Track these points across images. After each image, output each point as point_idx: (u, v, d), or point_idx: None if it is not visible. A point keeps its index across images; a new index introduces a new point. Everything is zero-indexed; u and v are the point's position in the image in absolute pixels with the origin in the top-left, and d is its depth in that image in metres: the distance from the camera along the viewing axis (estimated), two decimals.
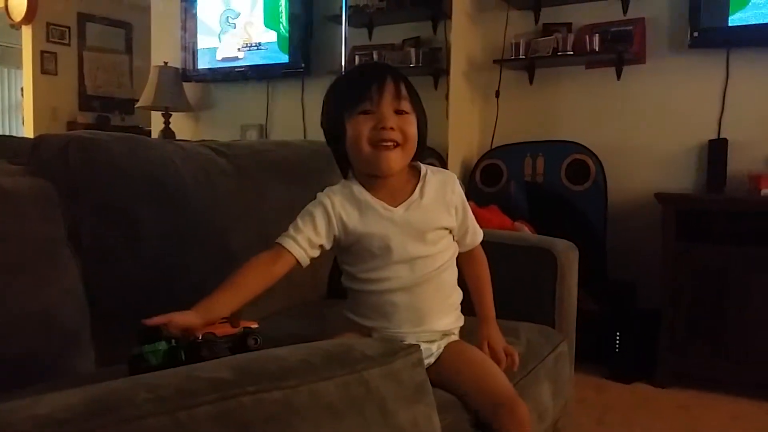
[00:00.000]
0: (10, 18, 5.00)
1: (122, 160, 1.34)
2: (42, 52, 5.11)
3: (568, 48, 3.04)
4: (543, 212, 2.92)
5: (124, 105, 5.66)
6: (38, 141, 1.36)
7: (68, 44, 5.30)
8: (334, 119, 1.20)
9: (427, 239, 1.19)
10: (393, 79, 1.16)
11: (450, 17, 3.33)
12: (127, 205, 1.35)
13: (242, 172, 1.62)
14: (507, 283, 1.59)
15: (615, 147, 3.05)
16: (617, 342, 2.68)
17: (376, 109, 1.13)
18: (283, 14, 3.87)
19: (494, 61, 3.26)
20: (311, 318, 1.56)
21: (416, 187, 1.19)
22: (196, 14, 4.16)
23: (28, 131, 5.14)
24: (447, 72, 3.36)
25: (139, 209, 1.36)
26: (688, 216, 2.55)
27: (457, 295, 1.27)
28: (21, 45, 5.30)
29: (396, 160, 1.14)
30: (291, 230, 1.17)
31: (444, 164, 3.27)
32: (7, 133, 6.39)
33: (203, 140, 1.70)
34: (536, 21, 3.26)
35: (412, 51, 3.50)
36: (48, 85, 5.15)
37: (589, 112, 3.15)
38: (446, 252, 1.22)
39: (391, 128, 1.13)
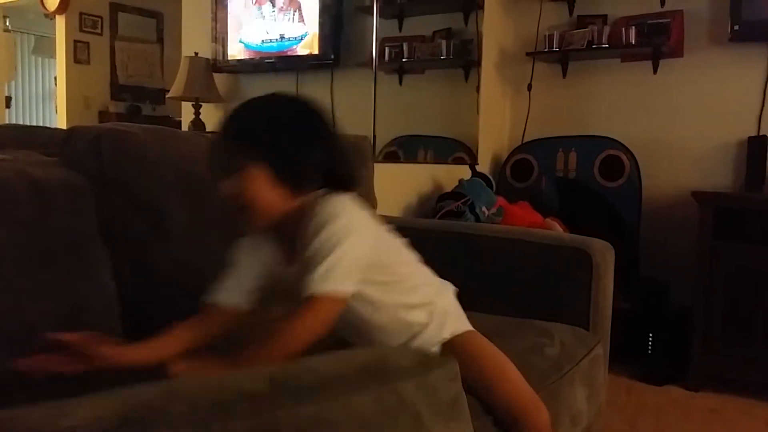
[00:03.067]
0: (44, 8, 5.04)
1: (153, 153, 1.34)
2: (75, 42, 5.15)
3: (604, 41, 2.98)
4: (575, 209, 2.87)
5: (154, 95, 5.69)
6: (70, 133, 1.36)
7: (100, 34, 5.33)
8: None
9: None
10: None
11: (482, 8, 3.27)
12: (157, 198, 1.34)
13: None
14: (540, 282, 1.56)
15: (650, 143, 2.97)
16: (650, 343, 2.62)
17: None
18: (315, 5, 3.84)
19: (527, 54, 3.21)
20: None
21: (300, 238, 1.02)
22: (227, 4, 4.16)
23: (60, 120, 5.20)
24: (478, 64, 3.31)
25: (169, 202, 1.35)
26: (725, 215, 2.48)
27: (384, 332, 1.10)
28: (54, 34, 5.35)
29: (247, 222, 1.03)
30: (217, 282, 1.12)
31: (474, 158, 3.23)
32: (41, 121, 6.48)
33: None
34: (570, 13, 3.19)
35: (443, 43, 3.45)
36: (81, 74, 5.19)
37: (623, 106, 3.08)
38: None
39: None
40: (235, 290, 1.10)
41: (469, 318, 1.45)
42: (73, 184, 1.25)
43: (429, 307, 1.13)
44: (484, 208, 2.56)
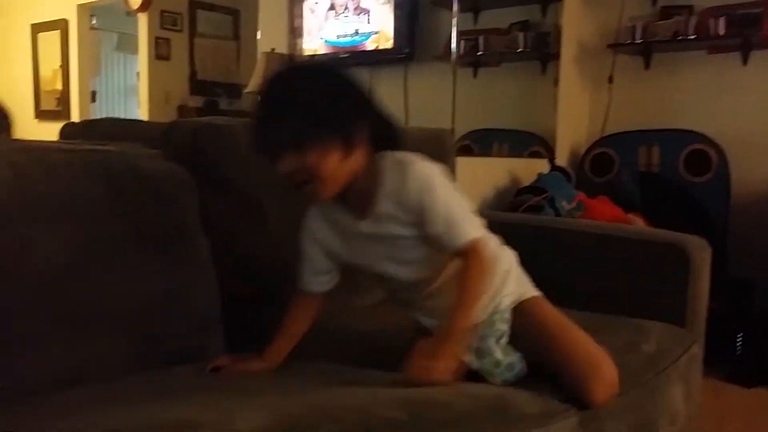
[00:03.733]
0: (127, 6, 5.25)
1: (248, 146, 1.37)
2: (156, 39, 5.35)
3: (690, 32, 2.88)
4: (657, 204, 2.79)
5: (231, 90, 5.84)
6: (171, 127, 1.42)
7: (181, 31, 5.51)
8: None
9: (395, 242, 1.08)
10: (278, 152, 1.01)
11: (561, 0, 3.22)
12: (252, 190, 1.38)
13: None
14: (632, 280, 1.53)
15: (740, 137, 2.86)
16: (738, 343, 2.53)
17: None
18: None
19: (608, 46, 3.13)
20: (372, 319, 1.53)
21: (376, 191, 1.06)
22: (303, 1, 4.23)
23: (143, 114, 5.41)
24: (557, 57, 3.26)
25: (264, 193, 1.39)
26: None
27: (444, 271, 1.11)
28: (136, 32, 5.57)
29: (318, 193, 1.03)
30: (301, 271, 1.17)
31: (551, 152, 3.18)
32: (123, 115, 6.75)
33: None
34: (654, 3, 3.10)
35: (520, 35, 3.41)
36: (162, 70, 5.39)
37: (710, 99, 2.97)
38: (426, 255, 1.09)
39: (294, 178, 1.02)
40: (322, 274, 1.15)
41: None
42: (177, 176, 1.30)
43: (506, 269, 1.14)
44: (564, 203, 2.52)
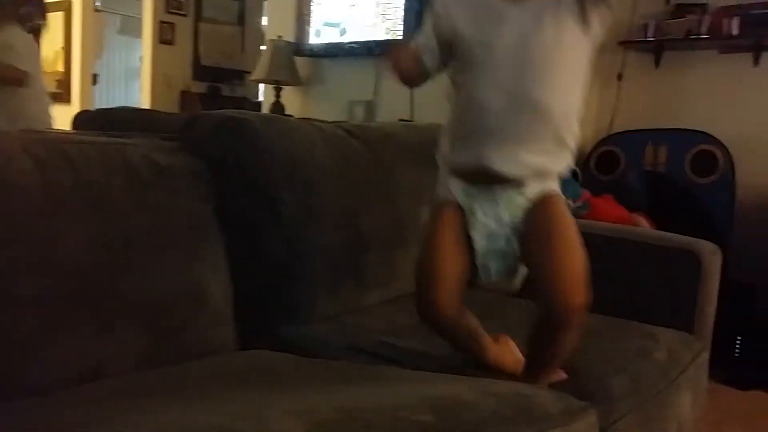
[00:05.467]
0: None
1: (269, 141, 1.37)
2: (161, 23, 5.32)
3: (703, 31, 2.87)
4: (662, 204, 2.79)
5: (234, 75, 5.82)
6: (192, 120, 1.41)
7: (185, 15, 5.48)
8: None
9: (544, 40, 1.03)
10: None
11: None
12: (271, 185, 1.38)
13: (374, 154, 1.63)
14: (643, 283, 1.54)
15: (747, 139, 2.86)
16: (737, 346, 2.54)
17: None
18: None
19: (619, 43, 3.12)
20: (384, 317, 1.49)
21: None
22: None
23: (144, 98, 5.39)
24: None
25: (282, 188, 1.38)
26: None
27: (568, 129, 1.08)
28: (140, 15, 5.53)
29: None
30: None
31: None
32: (125, 99, 6.72)
33: (338, 122, 1.72)
34: (667, 1, 3.09)
35: None
36: (165, 54, 5.36)
37: (720, 100, 2.97)
38: (568, 59, 1.05)
39: None
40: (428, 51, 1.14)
41: None
42: (195, 170, 1.30)
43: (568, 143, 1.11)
44: (570, 201, 2.52)
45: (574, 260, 1.02)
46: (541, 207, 1.06)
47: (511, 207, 1.07)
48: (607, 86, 3.24)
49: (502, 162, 1.05)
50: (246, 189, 1.35)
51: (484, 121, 1.07)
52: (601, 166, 3.09)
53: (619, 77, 3.18)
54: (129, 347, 1.11)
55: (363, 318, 1.38)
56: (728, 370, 2.55)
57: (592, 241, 1.66)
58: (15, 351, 0.98)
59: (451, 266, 1.09)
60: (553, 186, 1.09)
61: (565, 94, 1.06)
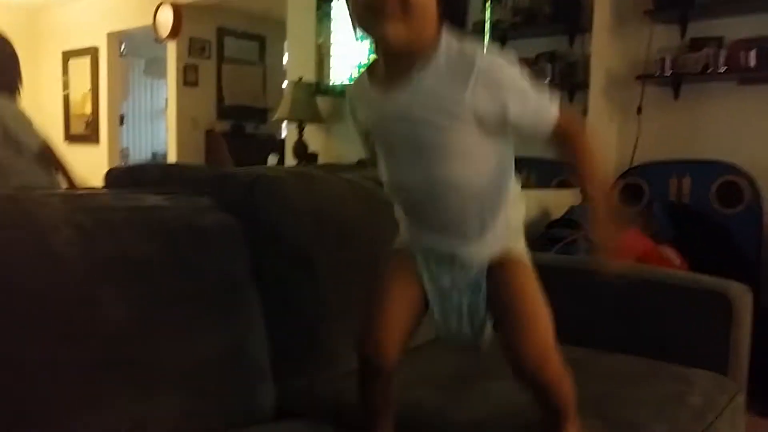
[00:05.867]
0: (156, 34, 5.36)
1: (300, 198, 1.41)
2: (185, 66, 5.44)
3: (720, 64, 2.89)
4: (689, 236, 2.79)
5: (257, 114, 5.93)
6: (224, 177, 1.45)
7: (208, 57, 5.61)
8: None
9: (430, 125, 0.96)
10: None
11: (588, 31, 3.24)
12: (302, 241, 1.41)
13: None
14: (675, 325, 1.54)
15: None
16: None
17: None
18: None
19: (637, 78, 3.14)
20: None
21: (423, 65, 0.95)
22: (330, 31, 4.30)
23: (170, 138, 5.50)
24: (584, 86, 3.28)
25: (314, 245, 1.42)
26: None
27: (493, 213, 1.02)
28: (163, 56, 5.67)
29: (395, 32, 0.91)
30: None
31: None
32: (151, 138, 6.86)
33: (364, 161, 1.75)
34: (683, 35, 3.11)
35: (548, 66, 3.44)
36: (189, 96, 5.48)
37: (742, 130, 2.97)
38: (462, 144, 0.96)
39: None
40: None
41: (596, 357, 1.45)
42: (229, 229, 1.34)
43: (517, 201, 1.07)
44: None
45: (536, 333, 0.99)
46: (496, 272, 1.03)
47: (465, 271, 1.04)
48: (627, 119, 3.26)
49: (440, 242, 1.04)
50: (278, 245, 1.38)
51: (409, 203, 1.06)
52: (626, 199, 3.09)
53: (639, 110, 3.20)
54: (168, 410, 1.13)
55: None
56: (764, 401, 2.51)
57: (621, 282, 1.68)
58: (56, 416, 1.01)
59: (397, 309, 1.06)
60: (508, 246, 1.04)
61: (479, 170, 0.99)
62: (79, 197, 1.28)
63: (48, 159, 2.61)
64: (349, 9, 0.97)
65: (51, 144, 2.66)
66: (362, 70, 1.06)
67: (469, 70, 0.92)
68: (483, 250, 1.03)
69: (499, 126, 0.96)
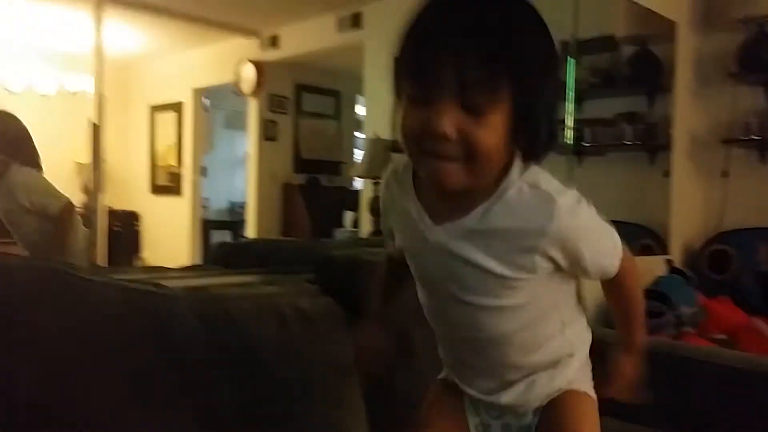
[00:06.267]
0: (240, 91, 5.60)
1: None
2: (265, 121, 5.66)
3: None
4: None
5: (331, 167, 6.09)
6: (328, 261, 1.52)
7: (286, 113, 5.82)
8: (395, 74, 0.85)
9: (481, 282, 0.85)
10: (469, 55, 0.73)
11: (670, 91, 3.23)
12: (402, 323, 1.45)
13: None
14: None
15: None
16: None
17: (429, 99, 0.76)
18: None
19: (723, 141, 3.10)
20: None
21: (487, 200, 0.81)
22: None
23: (250, 190, 5.70)
24: (667, 149, 3.25)
25: (413, 325, 1.45)
26: None
27: (541, 355, 0.92)
28: (242, 110, 5.93)
29: (452, 176, 0.78)
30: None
31: (663, 246, 3.14)
32: (231, 188, 7.11)
33: None
34: None
35: (628, 128, 3.42)
36: (269, 149, 5.68)
37: None
38: (515, 303, 0.86)
39: (446, 136, 0.75)
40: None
41: None
42: (334, 314, 1.39)
43: (579, 343, 0.98)
44: (685, 308, 2.47)
45: None
46: (550, 411, 0.94)
47: (518, 418, 0.97)
48: (712, 183, 3.21)
49: (479, 389, 0.96)
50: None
51: (448, 339, 1.00)
52: (714, 265, 3.02)
53: (724, 174, 3.14)
54: None
55: None
56: None
57: (721, 373, 1.63)
58: None
59: None
60: (564, 378, 0.94)
61: (535, 318, 0.90)
62: (200, 288, 1.36)
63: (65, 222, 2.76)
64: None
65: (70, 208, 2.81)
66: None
67: (546, 219, 0.80)
68: (534, 394, 0.94)
69: (566, 273, 0.87)
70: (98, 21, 4.56)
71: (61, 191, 2.87)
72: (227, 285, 1.39)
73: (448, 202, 0.84)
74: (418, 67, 0.78)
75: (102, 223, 4.72)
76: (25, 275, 1.06)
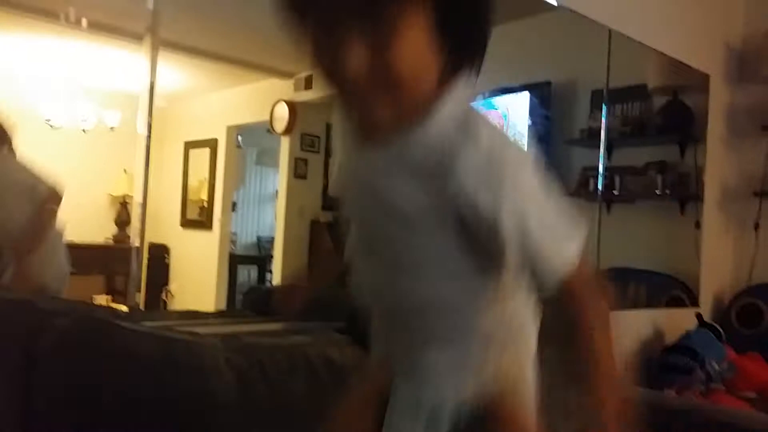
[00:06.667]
0: (273, 130, 5.71)
1: None
2: (296, 159, 5.76)
3: None
4: None
5: None
6: (354, 312, 1.54)
7: (317, 152, 5.91)
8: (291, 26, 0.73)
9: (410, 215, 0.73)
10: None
11: (701, 142, 3.22)
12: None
13: None
14: None
15: None
16: None
17: (330, 40, 0.66)
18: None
19: (755, 193, 3.08)
20: None
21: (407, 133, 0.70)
22: None
23: (278, 227, 5.77)
24: (698, 199, 3.23)
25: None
26: None
27: (489, 350, 0.79)
28: (273, 147, 6.04)
29: (377, 111, 0.69)
30: None
31: (693, 298, 3.10)
32: (260, 224, 7.21)
33: None
34: None
35: (658, 178, 3.41)
36: (299, 187, 5.76)
37: None
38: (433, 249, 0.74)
39: (357, 70, 0.65)
40: None
41: None
42: (363, 365, 1.41)
43: (527, 338, 0.83)
44: (714, 363, 2.44)
45: None
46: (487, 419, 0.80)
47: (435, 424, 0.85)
48: (744, 235, 3.18)
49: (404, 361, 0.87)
50: None
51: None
52: (744, 320, 2.97)
53: (756, 227, 3.11)
54: None
55: None
56: None
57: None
58: None
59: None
60: (501, 386, 0.80)
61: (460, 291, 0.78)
62: (233, 336, 1.39)
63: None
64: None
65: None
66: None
67: (465, 149, 0.67)
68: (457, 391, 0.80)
69: (488, 241, 0.70)
70: (153, 61, 4.71)
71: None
72: (257, 333, 1.43)
73: (371, 129, 0.74)
74: (301, 9, 0.68)
75: (145, 259, 4.81)
76: (67, 325, 1.10)
